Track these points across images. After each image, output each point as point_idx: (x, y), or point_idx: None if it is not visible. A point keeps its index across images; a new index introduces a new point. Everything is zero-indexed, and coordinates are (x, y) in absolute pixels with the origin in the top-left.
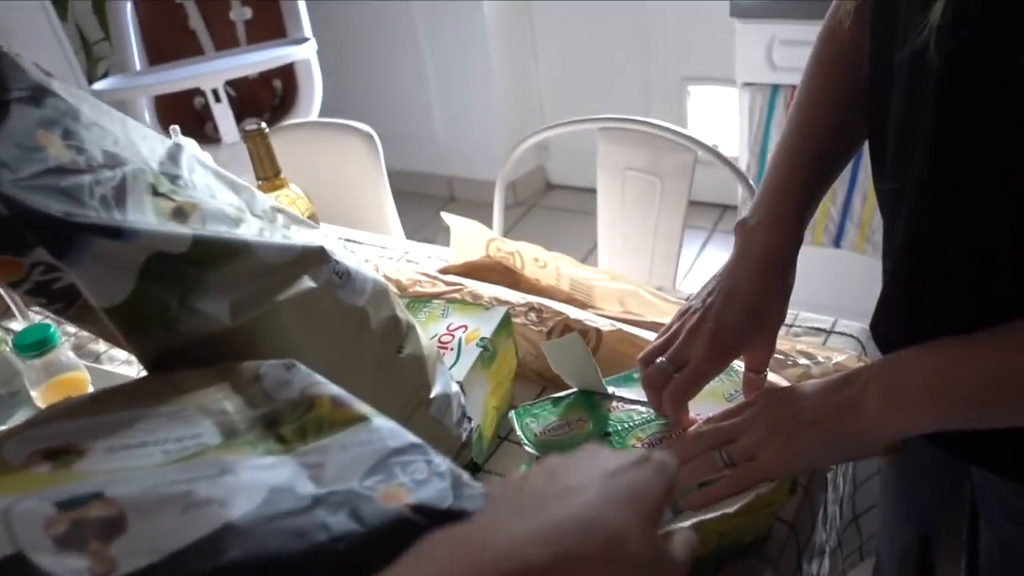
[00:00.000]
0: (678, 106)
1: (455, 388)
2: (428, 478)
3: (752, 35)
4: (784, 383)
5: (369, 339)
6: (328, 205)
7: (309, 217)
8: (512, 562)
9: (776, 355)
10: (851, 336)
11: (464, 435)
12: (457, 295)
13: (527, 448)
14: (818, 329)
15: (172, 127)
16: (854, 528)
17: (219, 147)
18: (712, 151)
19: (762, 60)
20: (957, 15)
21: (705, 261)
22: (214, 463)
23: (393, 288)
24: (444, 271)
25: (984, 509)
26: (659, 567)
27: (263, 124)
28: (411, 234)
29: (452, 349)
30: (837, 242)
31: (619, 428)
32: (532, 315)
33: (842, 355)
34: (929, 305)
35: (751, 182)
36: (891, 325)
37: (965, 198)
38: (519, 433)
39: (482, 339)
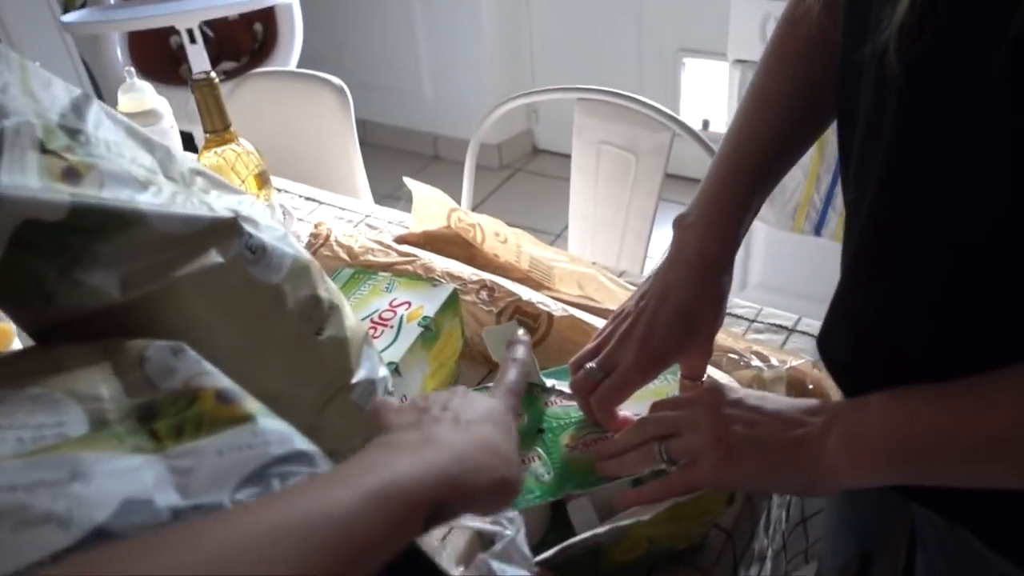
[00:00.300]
0: (672, 78)
1: (383, 373)
2: None
3: (747, 11)
4: (735, 385)
5: (284, 320)
6: (294, 161)
7: (259, 175)
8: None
9: (730, 354)
10: (812, 336)
11: None
12: (409, 267)
13: None
14: (780, 326)
15: (127, 68)
16: (801, 530)
17: None
18: (690, 131)
19: (755, 37)
20: (926, 11)
21: None
22: (67, 463)
23: (344, 256)
24: (401, 239)
25: (922, 542)
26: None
27: (212, 74)
28: (392, 191)
29: (392, 327)
30: (818, 230)
31: (554, 425)
32: (484, 293)
33: (798, 359)
34: (875, 325)
35: None
36: (837, 342)
37: (919, 215)
38: None
39: (425, 318)
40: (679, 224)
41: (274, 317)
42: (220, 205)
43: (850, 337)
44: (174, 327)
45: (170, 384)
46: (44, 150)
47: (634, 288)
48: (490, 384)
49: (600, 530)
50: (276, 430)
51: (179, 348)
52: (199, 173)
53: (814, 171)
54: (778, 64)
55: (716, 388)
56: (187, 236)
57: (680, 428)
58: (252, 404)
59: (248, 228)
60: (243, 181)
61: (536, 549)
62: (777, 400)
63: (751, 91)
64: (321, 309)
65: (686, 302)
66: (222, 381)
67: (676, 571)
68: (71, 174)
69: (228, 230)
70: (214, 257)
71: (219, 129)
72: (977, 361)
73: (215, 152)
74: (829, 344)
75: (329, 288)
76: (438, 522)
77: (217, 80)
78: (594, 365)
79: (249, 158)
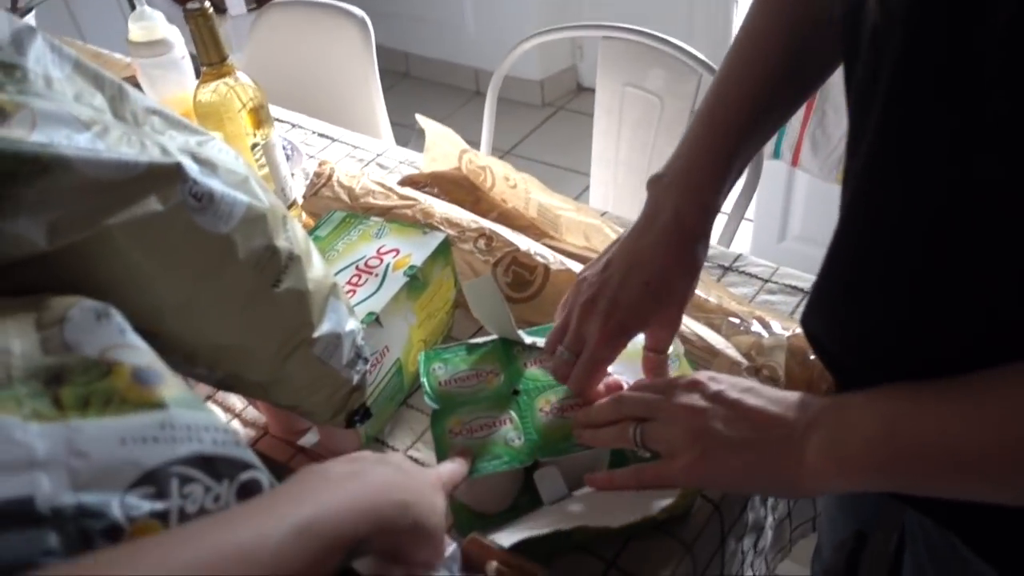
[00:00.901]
0: (723, 24)
1: (351, 326)
2: (196, 512)
3: None
4: (731, 350)
5: (235, 271)
6: (313, 95)
7: (254, 109)
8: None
9: (730, 318)
10: None
11: (355, 378)
12: (408, 211)
13: (426, 399)
14: (795, 288)
15: None
16: (808, 499)
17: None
18: None
19: None
20: None
21: None
22: None
23: (344, 198)
24: (407, 179)
25: (910, 539)
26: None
27: (206, 3)
28: None
29: (377, 275)
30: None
31: (530, 387)
32: (481, 242)
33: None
34: (853, 305)
35: None
36: (817, 320)
37: (908, 177)
38: (423, 379)
39: (411, 267)
40: (653, 184)
41: (223, 268)
42: (175, 146)
43: (826, 317)
44: (110, 278)
45: (86, 350)
46: None
47: None
48: (483, 338)
49: (564, 527)
50: (187, 424)
51: (104, 312)
52: (154, 112)
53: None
54: (767, 6)
55: (697, 378)
56: (122, 182)
57: (657, 414)
58: (169, 390)
59: (195, 174)
60: (233, 117)
61: (507, 514)
62: (760, 393)
63: (738, 40)
64: (278, 260)
65: (656, 273)
66: (142, 359)
67: (657, 542)
68: None
69: (170, 176)
70: (153, 205)
71: (215, 62)
72: (957, 348)
73: (211, 90)
74: (809, 322)
75: (291, 237)
76: (358, 556)
77: (211, 11)
78: (563, 349)
79: (244, 92)
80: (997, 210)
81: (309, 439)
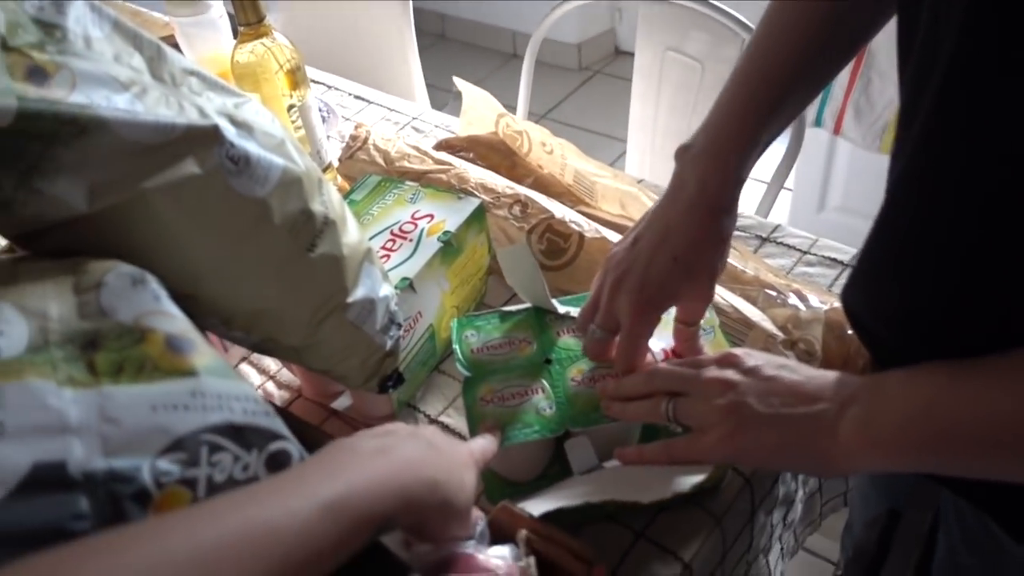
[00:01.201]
0: None
1: (384, 292)
2: (225, 481)
3: None
4: (766, 323)
5: (271, 235)
6: (348, 56)
7: (291, 71)
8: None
9: (767, 290)
10: None
11: (389, 343)
12: (443, 176)
13: (459, 366)
14: (834, 260)
15: None
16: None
17: None
18: None
19: None
20: None
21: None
22: None
23: (380, 161)
24: (443, 143)
25: (944, 519)
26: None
27: None
28: None
29: (411, 240)
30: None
31: (562, 356)
32: (516, 209)
33: (840, 301)
34: (899, 281)
35: None
36: (858, 296)
37: (965, 163)
38: (455, 346)
39: (446, 232)
40: (681, 155)
41: (259, 232)
42: (212, 108)
43: (868, 293)
44: (147, 241)
45: (120, 316)
46: (7, 47)
47: None
48: (517, 306)
49: (594, 499)
50: (218, 392)
51: (140, 278)
52: (192, 73)
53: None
54: None
55: (733, 353)
56: (160, 145)
57: (690, 389)
58: (201, 358)
59: (232, 136)
60: (270, 78)
61: (537, 482)
62: (796, 370)
63: (771, 6)
64: (313, 224)
65: (684, 247)
66: (176, 326)
67: (686, 514)
68: (36, 74)
69: (207, 138)
70: (191, 167)
71: (253, 22)
72: (1004, 327)
73: (248, 50)
74: (848, 298)
75: (327, 201)
76: (385, 533)
77: None
78: (595, 327)
79: (282, 52)
80: None
81: (342, 402)
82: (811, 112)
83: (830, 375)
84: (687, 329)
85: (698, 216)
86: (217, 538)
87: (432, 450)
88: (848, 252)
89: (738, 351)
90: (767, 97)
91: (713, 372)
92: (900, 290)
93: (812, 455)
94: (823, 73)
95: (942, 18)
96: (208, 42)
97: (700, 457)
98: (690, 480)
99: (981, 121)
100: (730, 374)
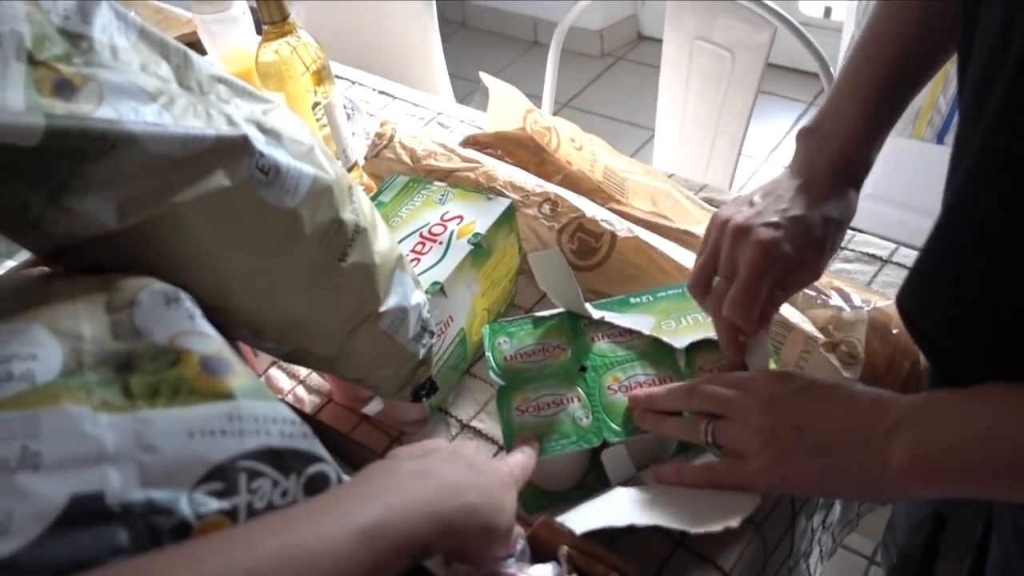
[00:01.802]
0: None
1: (416, 299)
2: (264, 508)
3: None
4: (807, 324)
5: (302, 246)
6: (370, 47)
7: (317, 71)
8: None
9: (806, 290)
10: (909, 269)
11: (422, 352)
12: (471, 174)
13: (492, 374)
14: (873, 256)
15: None
16: None
17: None
18: (793, 27)
19: None
20: None
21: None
22: (23, 428)
23: (406, 160)
24: (471, 139)
25: (998, 524)
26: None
27: None
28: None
29: (441, 243)
30: (941, 138)
31: (598, 363)
32: (546, 207)
33: (884, 300)
34: (962, 286)
35: (833, 70)
36: (914, 301)
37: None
38: (488, 354)
39: (476, 235)
40: (805, 137)
41: (290, 244)
42: (240, 116)
43: (932, 298)
44: (178, 255)
45: (155, 337)
46: (33, 61)
47: (714, 209)
48: (549, 311)
49: (640, 523)
50: (255, 415)
51: (174, 297)
52: (220, 80)
53: (943, 71)
54: None
55: (777, 376)
56: (189, 157)
57: (731, 412)
58: (237, 379)
59: (261, 146)
60: (295, 77)
61: (574, 492)
62: (842, 393)
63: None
64: (344, 233)
65: (806, 211)
66: (211, 346)
67: None
68: (63, 88)
69: (237, 150)
70: (221, 180)
71: (277, 21)
72: None
73: (273, 50)
74: (905, 302)
75: (357, 209)
76: (424, 559)
77: None
78: (720, 278)
79: (307, 52)
80: None
81: (373, 407)
82: None
83: (873, 396)
84: (784, 295)
85: (829, 186)
86: (253, 563)
87: (472, 472)
88: (887, 247)
89: (778, 372)
90: (887, 80)
91: (754, 396)
92: (962, 296)
93: (860, 483)
94: (934, 62)
95: (1016, 11)
96: (231, 39)
97: (743, 484)
98: (740, 514)
99: None
100: (770, 399)
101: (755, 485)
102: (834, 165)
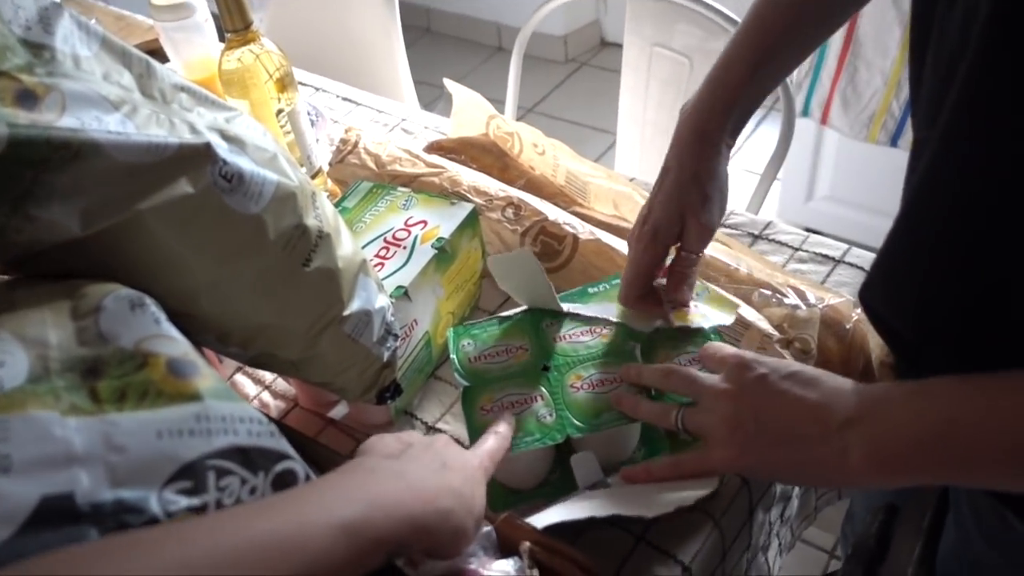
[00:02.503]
0: None
1: (380, 303)
2: (234, 505)
3: None
4: (762, 323)
5: (266, 252)
6: (333, 53)
7: (282, 78)
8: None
9: (761, 289)
10: (861, 268)
11: (386, 355)
12: (435, 179)
13: (457, 376)
14: (826, 256)
15: None
16: None
17: None
18: None
19: None
20: None
21: (756, 141)
22: None
23: (371, 165)
24: (434, 145)
25: (954, 506)
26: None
27: None
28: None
29: (405, 248)
30: (895, 141)
31: (560, 362)
32: (509, 211)
33: (837, 298)
34: (916, 282)
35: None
36: (877, 296)
37: (994, 159)
38: (452, 356)
39: (439, 239)
40: (681, 113)
41: (254, 249)
42: (203, 124)
43: (894, 292)
44: (143, 261)
45: (121, 341)
46: None
47: None
48: (508, 311)
49: (599, 514)
50: (222, 414)
51: (139, 301)
52: (182, 89)
53: (895, 77)
54: None
55: (742, 364)
56: (152, 165)
57: (699, 398)
58: (204, 381)
59: (225, 154)
60: (258, 84)
61: (539, 490)
62: (803, 380)
63: None
64: (308, 239)
65: (686, 178)
66: (177, 349)
67: (686, 517)
68: (26, 98)
69: (200, 157)
70: (184, 187)
71: (239, 28)
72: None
73: (236, 58)
74: (868, 295)
75: (321, 215)
76: (397, 557)
77: None
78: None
79: (271, 60)
80: None
81: (339, 411)
82: (798, 103)
83: (835, 387)
84: (688, 256)
85: (697, 149)
86: (238, 545)
87: (446, 472)
88: (840, 248)
89: (747, 356)
90: (760, 47)
91: (722, 383)
92: (923, 290)
93: (821, 473)
94: (815, 34)
95: (972, 18)
96: (194, 46)
97: (709, 473)
98: (694, 494)
99: (1009, 119)
100: (737, 386)
101: (721, 472)
102: (699, 125)
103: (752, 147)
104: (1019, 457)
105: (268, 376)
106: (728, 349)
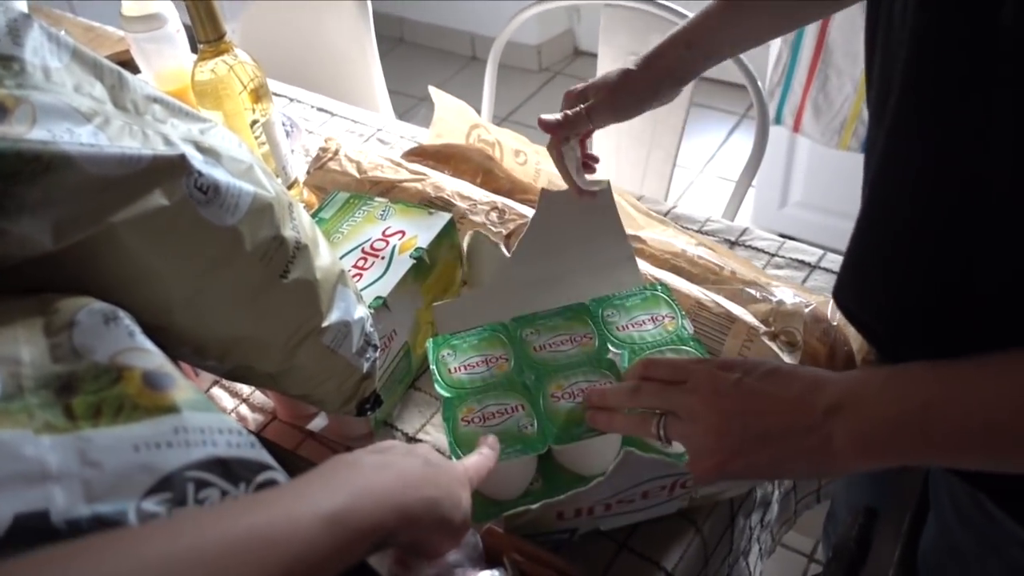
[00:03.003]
0: None
1: (359, 314)
2: None
3: None
4: (748, 317)
5: (243, 263)
6: (307, 63)
7: (256, 89)
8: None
9: (747, 288)
10: (835, 273)
11: (366, 366)
12: (418, 184)
13: (437, 387)
14: (802, 262)
15: None
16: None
17: None
18: None
19: None
20: None
21: (731, 148)
22: None
23: (352, 172)
24: (417, 150)
25: (935, 501)
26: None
27: None
28: (424, 93)
29: (383, 258)
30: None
31: (540, 372)
32: (493, 215)
33: (818, 297)
34: (882, 282)
35: (761, 83)
36: (848, 294)
37: (937, 146)
38: (432, 367)
39: (418, 249)
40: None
41: (231, 261)
42: (177, 135)
43: (863, 290)
44: (117, 275)
45: (95, 356)
46: None
47: (658, 216)
48: (470, 330)
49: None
50: (200, 426)
51: (113, 315)
52: (156, 100)
53: (865, 84)
54: None
55: (713, 371)
56: (126, 177)
57: (677, 409)
58: (181, 393)
59: (200, 165)
60: (232, 95)
61: (521, 500)
62: (779, 377)
63: None
64: (285, 250)
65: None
66: (152, 362)
67: (668, 523)
68: None
69: (174, 169)
70: (158, 199)
71: (212, 39)
72: (992, 313)
73: (210, 69)
74: (841, 296)
75: (298, 226)
76: (383, 548)
77: None
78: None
79: (244, 71)
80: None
81: (318, 424)
82: (771, 111)
83: (808, 381)
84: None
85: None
86: (222, 543)
87: (430, 468)
88: (815, 253)
89: (716, 361)
90: (700, 25)
91: (697, 393)
92: (889, 285)
93: (809, 465)
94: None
95: (911, 13)
96: (166, 58)
97: (700, 481)
98: (675, 504)
99: (952, 112)
100: (713, 394)
101: (712, 480)
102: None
103: (726, 155)
104: (994, 435)
105: (246, 389)
106: (690, 360)
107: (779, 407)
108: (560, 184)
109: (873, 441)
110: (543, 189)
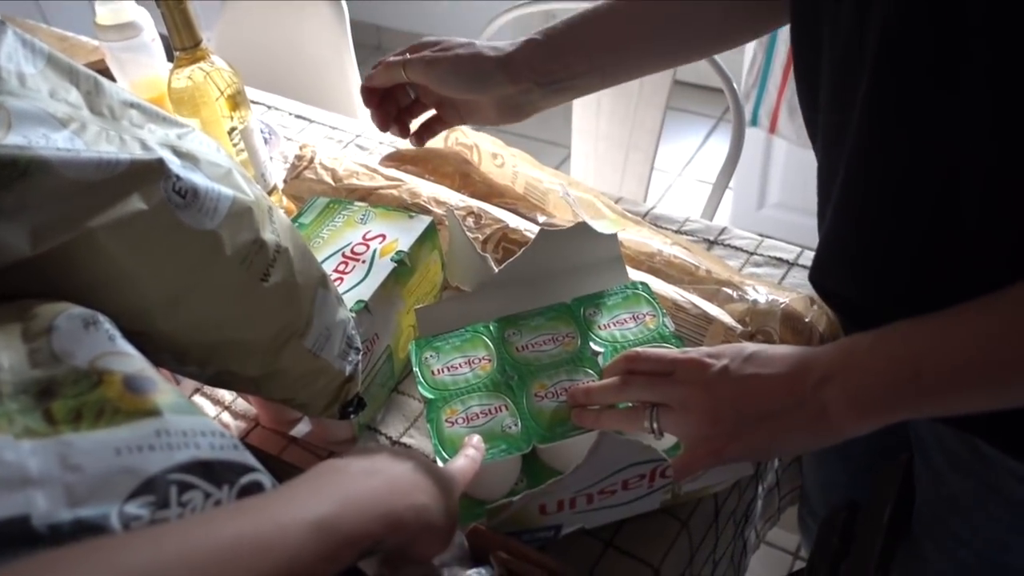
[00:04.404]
0: None
1: (341, 316)
2: None
3: None
4: (725, 317)
5: (223, 268)
6: (285, 71)
7: (233, 95)
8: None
9: (724, 288)
10: None
11: (348, 368)
12: (394, 191)
13: (420, 389)
14: (780, 260)
15: None
16: (796, 468)
17: None
18: None
19: None
20: None
21: (709, 151)
22: None
23: (328, 180)
24: (395, 155)
25: (924, 459)
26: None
27: None
28: None
29: (364, 262)
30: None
31: (523, 372)
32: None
33: (794, 294)
34: (869, 255)
35: (736, 85)
36: (825, 270)
37: (910, 138)
38: (415, 369)
39: (399, 252)
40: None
41: (211, 266)
42: (154, 140)
43: (844, 269)
44: (95, 280)
45: (75, 360)
46: None
47: (634, 217)
48: (452, 332)
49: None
50: (183, 428)
51: (92, 319)
52: (132, 105)
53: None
54: None
55: (700, 359)
56: (103, 182)
57: (668, 400)
58: (162, 396)
59: (177, 169)
60: (209, 102)
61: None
62: (764, 358)
63: None
64: (265, 254)
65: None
66: (133, 365)
67: (653, 521)
68: None
69: (152, 173)
70: (137, 204)
71: (188, 46)
72: (975, 286)
73: (186, 76)
74: (823, 277)
75: (278, 229)
76: (370, 555)
77: None
78: None
79: (221, 78)
80: (999, 149)
81: (301, 429)
82: (748, 112)
83: (793, 358)
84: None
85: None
86: (208, 550)
87: (418, 473)
88: (793, 251)
89: (700, 351)
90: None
91: (686, 383)
92: (869, 261)
93: (805, 436)
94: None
95: (864, 8)
96: (141, 67)
97: (700, 470)
98: (659, 496)
99: (913, 85)
100: (703, 382)
101: (710, 467)
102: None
103: (704, 157)
104: (988, 367)
105: (227, 396)
106: (674, 351)
107: (770, 387)
108: (541, 187)
109: (868, 401)
110: (541, 228)
